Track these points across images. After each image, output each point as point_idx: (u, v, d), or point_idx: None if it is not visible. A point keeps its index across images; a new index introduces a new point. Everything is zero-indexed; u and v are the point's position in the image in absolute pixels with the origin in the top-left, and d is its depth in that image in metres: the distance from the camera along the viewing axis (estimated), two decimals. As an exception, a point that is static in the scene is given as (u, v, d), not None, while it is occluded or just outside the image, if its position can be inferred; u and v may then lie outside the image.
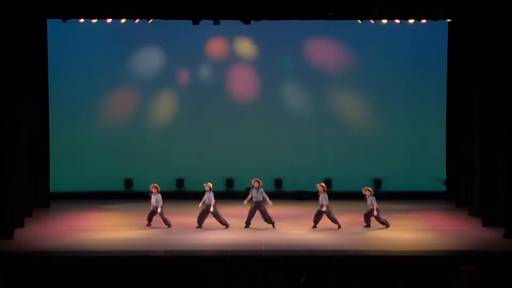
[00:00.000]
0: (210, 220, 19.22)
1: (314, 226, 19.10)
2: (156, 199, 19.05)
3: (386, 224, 19.11)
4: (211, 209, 18.85)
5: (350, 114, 25.02)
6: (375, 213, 18.99)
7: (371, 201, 19.07)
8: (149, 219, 19.20)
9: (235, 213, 20.81)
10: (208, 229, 18.94)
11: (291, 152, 24.85)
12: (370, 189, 19.32)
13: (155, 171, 23.94)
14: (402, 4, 19.37)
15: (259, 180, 19.14)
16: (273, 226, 19.07)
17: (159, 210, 18.96)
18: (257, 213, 19.14)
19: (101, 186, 24.26)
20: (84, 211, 21.73)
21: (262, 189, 19.11)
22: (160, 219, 19.11)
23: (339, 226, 19.02)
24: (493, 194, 19.30)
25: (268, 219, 19.09)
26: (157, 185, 19.15)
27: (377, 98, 24.88)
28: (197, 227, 18.91)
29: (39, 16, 20.80)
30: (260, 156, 24.65)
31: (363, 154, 24.72)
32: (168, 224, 19.07)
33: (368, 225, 19.25)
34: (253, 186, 19.09)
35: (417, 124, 24.82)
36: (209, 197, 18.93)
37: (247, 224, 19.11)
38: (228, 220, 19.59)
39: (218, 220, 18.98)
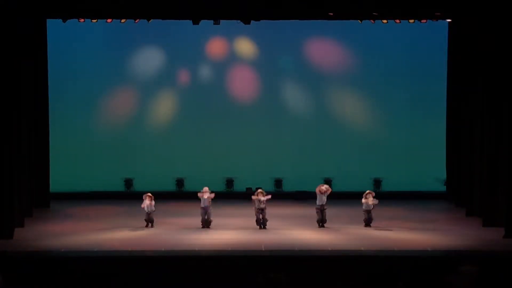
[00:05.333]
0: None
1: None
2: (150, 208, 19.20)
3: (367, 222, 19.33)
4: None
5: (350, 114, 25.00)
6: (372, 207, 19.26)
7: (373, 202, 19.22)
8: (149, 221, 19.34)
9: (234, 213, 20.84)
10: (208, 229, 18.95)
11: (291, 152, 24.84)
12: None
13: (155, 171, 23.95)
14: (402, 4, 19.36)
15: (263, 192, 19.16)
16: (263, 227, 19.04)
17: (153, 209, 19.19)
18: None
19: (101, 186, 24.25)
20: (84, 211, 21.73)
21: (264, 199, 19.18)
22: (156, 219, 19.32)
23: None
24: (493, 194, 19.30)
25: (264, 221, 19.08)
26: (151, 195, 19.26)
27: (377, 98, 24.87)
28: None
29: (39, 16, 20.80)
30: (260, 156, 24.64)
31: (363, 154, 24.70)
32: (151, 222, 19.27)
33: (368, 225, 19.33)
34: (257, 196, 19.08)
35: (417, 124, 24.80)
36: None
37: (261, 225, 19.14)
38: (228, 220, 19.64)
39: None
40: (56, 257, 15.85)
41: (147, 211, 19.24)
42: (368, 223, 19.27)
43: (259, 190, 19.20)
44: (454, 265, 13.20)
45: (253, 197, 19.15)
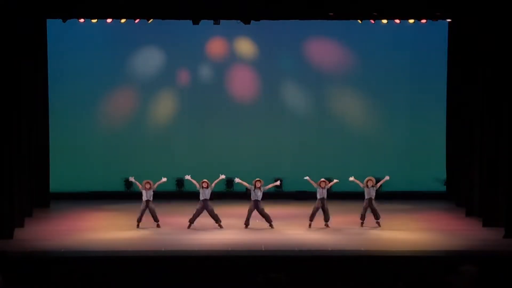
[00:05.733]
0: (209, 220, 19.23)
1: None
2: (149, 194, 19.07)
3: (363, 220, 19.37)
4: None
5: (350, 114, 25.01)
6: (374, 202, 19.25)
7: (374, 191, 19.16)
8: (141, 219, 19.18)
9: (235, 213, 20.82)
10: (208, 229, 18.95)
11: (291, 152, 24.84)
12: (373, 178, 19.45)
13: (155, 171, 23.83)
14: (402, 4, 19.37)
15: (261, 180, 19.16)
16: (271, 226, 19.06)
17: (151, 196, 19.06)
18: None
19: (101, 186, 24.25)
20: (84, 211, 21.74)
21: (262, 188, 19.17)
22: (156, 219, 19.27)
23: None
24: (493, 194, 19.30)
25: (267, 218, 19.08)
26: (150, 181, 19.20)
27: (377, 98, 24.88)
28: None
29: (39, 16, 20.79)
30: (260, 156, 24.65)
31: (363, 154, 24.71)
32: (157, 221, 19.14)
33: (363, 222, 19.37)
34: (255, 186, 19.09)
35: (417, 124, 24.79)
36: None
37: (247, 224, 19.14)
38: (228, 220, 19.63)
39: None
40: (56, 257, 15.84)
41: (145, 198, 19.04)
42: (376, 218, 19.20)
43: (257, 179, 19.16)
44: (454, 265, 13.18)
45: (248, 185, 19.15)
